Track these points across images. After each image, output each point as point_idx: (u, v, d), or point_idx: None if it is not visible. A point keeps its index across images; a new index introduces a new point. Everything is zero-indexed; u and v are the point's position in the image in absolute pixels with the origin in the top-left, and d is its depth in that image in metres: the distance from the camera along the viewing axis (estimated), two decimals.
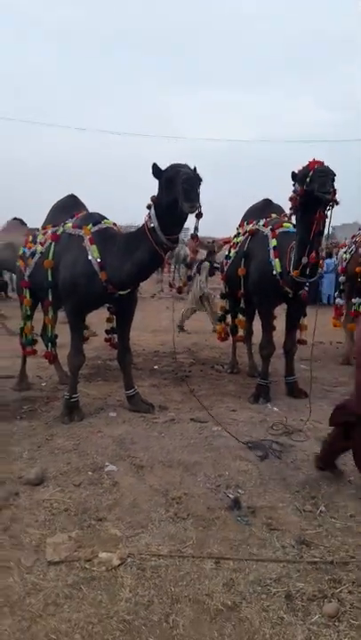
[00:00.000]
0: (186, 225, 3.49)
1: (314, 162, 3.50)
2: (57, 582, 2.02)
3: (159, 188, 3.27)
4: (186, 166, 3.14)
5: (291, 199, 3.67)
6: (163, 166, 3.21)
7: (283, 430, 3.59)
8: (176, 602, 1.92)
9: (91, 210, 4.23)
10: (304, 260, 3.67)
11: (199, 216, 3.20)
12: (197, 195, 3.06)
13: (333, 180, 3.43)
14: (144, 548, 2.25)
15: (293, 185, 3.62)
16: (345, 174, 3.72)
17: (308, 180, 3.45)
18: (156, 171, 3.23)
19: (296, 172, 3.59)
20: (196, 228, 3.34)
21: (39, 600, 1.93)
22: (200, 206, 3.10)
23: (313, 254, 3.64)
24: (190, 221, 3.34)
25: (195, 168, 3.12)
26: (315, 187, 3.40)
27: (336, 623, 1.81)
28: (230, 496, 2.68)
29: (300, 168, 3.56)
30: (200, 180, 3.09)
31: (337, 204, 3.43)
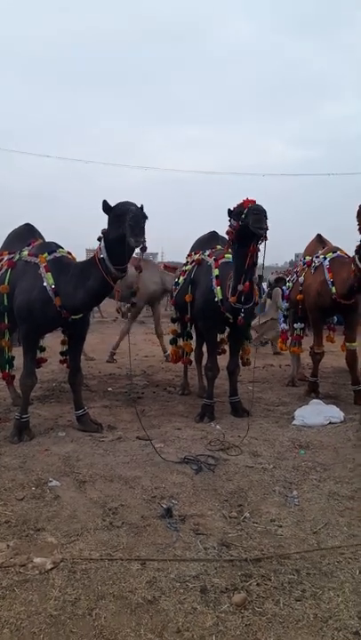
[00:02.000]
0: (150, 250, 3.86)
1: (248, 200, 3.90)
2: None
3: (108, 223, 3.59)
4: (134, 204, 3.47)
5: (228, 233, 4.06)
6: (115, 201, 3.53)
7: (220, 446, 3.84)
8: (101, 598, 2.11)
9: (52, 239, 4.49)
10: (240, 287, 4.03)
11: (144, 249, 3.54)
12: (143, 230, 3.41)
13: (266, 217, 3.84)
14: (77, 553, 2.43)
15: (229, 220, 4.00)
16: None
17: (243, 216, 3.83)
18: (106, 207, 3.57)
19: (232, 208, 3.98)
20: (139, 260, 3.71)
21: None
22: (145, 241, 3.45)
23: (247, 283, 4.00)
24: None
25: (142, 206, 3.46)
26: (249, 222, 3.79)
27: (242, 611, 2.04)
28: (164, 506, 2.89)
29: (235, 205, 3.95)
30: (145, 217, 3.44)
31: (266, 239, 3.83)
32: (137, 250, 3.53)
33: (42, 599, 2.10)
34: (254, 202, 3.87)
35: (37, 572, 2.27)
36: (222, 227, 4.34)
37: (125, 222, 3.35)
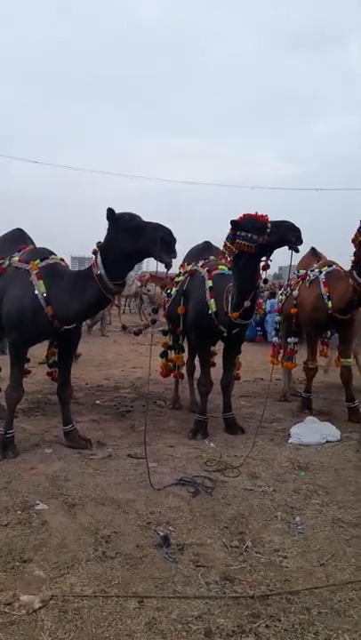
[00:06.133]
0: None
1: (261, 215, 3.75)
2: None
3: (114, 235, 3.36)
4: (138, 216, 3.34)
5: (235, 246, 3.79)
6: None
7: (216, 466, 3.67)
8: None
9: (38, 244, 4.28)
10: (247, 303, 3.86)
11: (169, 266, 3.35)
12: (175, 248, 3.32)
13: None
14: (68, 589, 2.22)
15: (238, 233, 3.75)
16: (290, 218, 4.01)
17: (268, 230, 3.68)
18: (112, 216, 3.34)
19: (237, 220, 3.79)
20: (167, 276, 3.54)
21: None
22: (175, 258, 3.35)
23: (258, 300, 3.88)
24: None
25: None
26: (286, 238, 3.70)
27: None
28: (160, 533, 2.70)
29: (242, 218, 3.78)
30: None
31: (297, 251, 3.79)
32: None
33: None
34: (266, 217, 3.75)
35: (25, 611, 2.06)
36: (207, 236, 4.17)
37: (152, 237, 3.23)
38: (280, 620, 2.06)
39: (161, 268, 3.41)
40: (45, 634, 1.94)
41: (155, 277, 15.31)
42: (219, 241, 5.36)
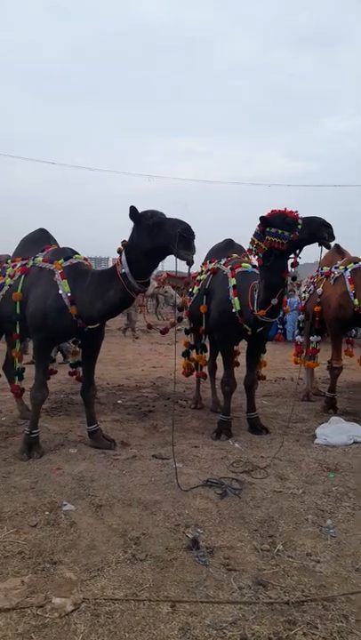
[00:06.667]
0: None
1: (291, 211, 3.65)
2: (6, 632, 1.94)
3: (137, 233, 3.33)
4: (160, 213, 3.28)
5: (272, 244, 3.64)
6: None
7: (243, 468, 3.62)
8: None
9: (61, 244, 4.28)
10: (274, 301, 3.79)
11: (191, 263, 3.24)
12: (194, 244, 3.20)
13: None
14: (99, 592, 2.20)
15: (267, 230, 3.64)
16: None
17: (299, 227, 3.59)
18: (135, 214, 3.30)
19: (266, 216, 3.67)
20: (189, 274, 3.42)
21: None
22: (194, 254, 3.22)
23: (285, 299, 3.80)
24: None
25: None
26: (320, 234, 3.62)
27: None
28: (189, 536, 2.67)
29: (270, 214, 3.68)
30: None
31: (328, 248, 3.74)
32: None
33: None
34: (297, 213, 3.66)
35: (57, 614, 2.04)
36: (220, 236, 4.04)
37: (171, 233, 3.12)
38: (317, 628, 2.00)
39: (181, 267, 3.33)
40: (79, 637, 1.92)
41: (172, 277, 15.26)
42: (237, 239, 5.32)
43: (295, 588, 2.26)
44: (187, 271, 3.54)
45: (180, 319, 4.01)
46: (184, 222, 3.18)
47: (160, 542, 2.62)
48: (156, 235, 3.22)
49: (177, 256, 3.17)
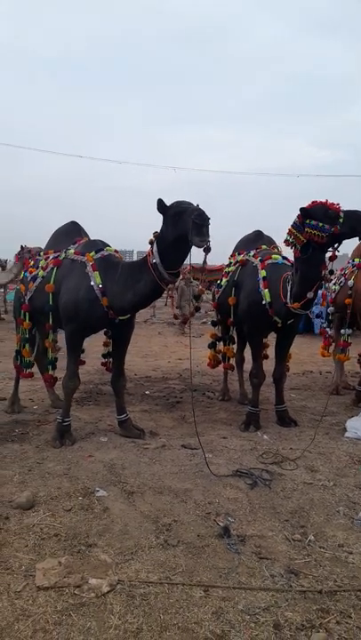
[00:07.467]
0: None
1: (332, 203, 3.55)
2: (46, 608, 2.02)
3: (164, 224, 3.35)
4: (191, 204, 3.26)
5: (312, 236, 3.55)
6: (166, 201, 3.32)
7: (273, 459, 3.62)
8: (165, 630, 1.92)
9: (92, 237, 4.34)
10: (310, 294, 3.74)
11: (207, 250, 3.20)
12: (208, 230, 3.12)
13: None
14: (134, 574, 2.25)
15: (307, 222, 3.54)
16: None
17: (341, 220, 3.50)
18: (162, 206, 3.31)
19: (307, 208, 3.58)
20: (204, 262, 3.38)
21: (28, 626, 1.92)
22: (210, 241, 3.15)
23: (323, 292, 3.75)
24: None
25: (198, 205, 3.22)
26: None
27: None
28: (220, 524, 2.69)
29: (311, 206, 3.59)
30: (209, 217, 3.14)
31: None
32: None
33: (101, 627, 1.92)
34: (338, 205, 3.57)
35: (94, 594, 2.10)
36: (244, 229, 3.93)
37: (188, 221, 3.07)
38: (351, 617, 2.00)
39: (211, 259, 3.28)
40: (115, 617, 1.98)
41: (197, 269, 15.20)
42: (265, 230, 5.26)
43: (328, 578, 2.27)
44: (219, 263, 3.49)
45: (197, 309, 3.96)
46: (197, 208, 3.13)
47: (191, 529, 2.66)
48: (177, 224, 3.21)
49: (192, 243, 3.12)
